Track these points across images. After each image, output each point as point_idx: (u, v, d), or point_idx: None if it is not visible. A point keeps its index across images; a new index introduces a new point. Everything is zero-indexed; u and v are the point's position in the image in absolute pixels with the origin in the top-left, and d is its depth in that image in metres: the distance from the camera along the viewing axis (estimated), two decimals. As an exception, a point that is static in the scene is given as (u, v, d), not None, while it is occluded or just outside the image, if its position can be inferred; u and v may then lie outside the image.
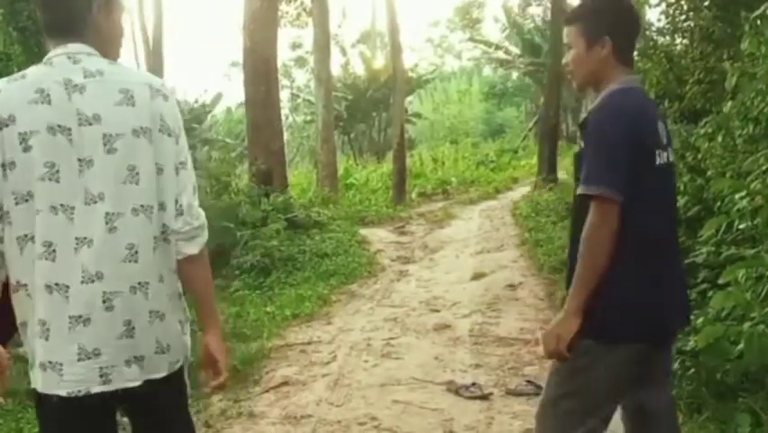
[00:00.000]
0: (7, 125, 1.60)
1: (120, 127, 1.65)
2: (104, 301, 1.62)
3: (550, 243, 8.63)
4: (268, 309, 6.10)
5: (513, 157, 24.76)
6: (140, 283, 1.67)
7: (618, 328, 2.02)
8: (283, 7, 18.94)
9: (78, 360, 1.62)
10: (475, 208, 14.09)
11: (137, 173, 1.65)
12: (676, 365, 3.57)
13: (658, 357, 2.15)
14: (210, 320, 1.85)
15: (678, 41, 8.79)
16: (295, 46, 28.45)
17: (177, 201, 1.72)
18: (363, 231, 10.76)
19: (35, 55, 15.70)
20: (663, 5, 8.49)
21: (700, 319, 3.54)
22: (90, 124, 1.63)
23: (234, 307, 6.12)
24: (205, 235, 1.83)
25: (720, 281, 3.33)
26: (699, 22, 7.70)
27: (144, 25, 25.30)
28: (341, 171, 16.87)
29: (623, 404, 2.21)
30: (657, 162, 2.00)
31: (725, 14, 6.84)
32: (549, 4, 19.96)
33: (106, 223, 1.63)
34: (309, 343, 5.14)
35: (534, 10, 27.19)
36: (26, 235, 1.62)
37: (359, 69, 26.35)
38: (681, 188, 5.48)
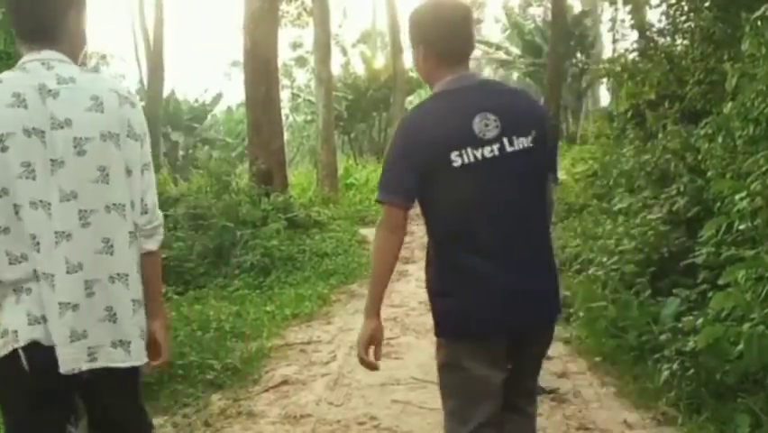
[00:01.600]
0: None
1: (89, 131, 1.76)
2: (85, 289, 1.77)
3: (550, 243, 8.63)
4: (268, 309, 6.10)
5: (513, 157, 24.70)
6: (118, 274, 1.81)
7: (445, 324, 2.15)
8: (284, 7, 18.93)
9: (72, 341, 1.76)
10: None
11: (107, 174, 1.79)
12: (675, 366, 3.58)
13: (520, 350, 2.17)
14: (159, 310, 2.00)
15: (678, 41, 8.80)
16: (295, 46, 28.43)
17: (142, 200, 1.87)
18: (363, 231, 10.75)
19: (36, 54, 15.69)
20: (664, 6, 8.50)
21: (700, 320, 3.54)
22: (62, 128, 1.74)
23: (234, 306, 6.11)
24: (162, 233, 1.97)
25: (720, 282, 3.34)
26: (699, 22, 7.70)
27: (145, 25, 25.33)
28: (341, 171, 16.86)
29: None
30: (464, 161, 2.03)
31: (725, 15, 6.84)
32: (549, 5, 19.97)
33: (80, 219, 1.76)
34: (309, 342, 5.14)
35: (535, 11, 27.20)
36: (3, 228, 1.73)
37: (359, 69, 26.34)
38: (681, 188, 5.49)
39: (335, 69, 21.66)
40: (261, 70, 11.06)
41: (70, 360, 1.76)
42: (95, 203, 1.78)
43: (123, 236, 1.82)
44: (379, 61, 26.23)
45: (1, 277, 1.74)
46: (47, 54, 1.78)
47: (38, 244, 1.73)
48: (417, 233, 11.07)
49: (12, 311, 1.76)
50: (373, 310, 2.21)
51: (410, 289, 7.04)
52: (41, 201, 1.73)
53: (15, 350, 1.74)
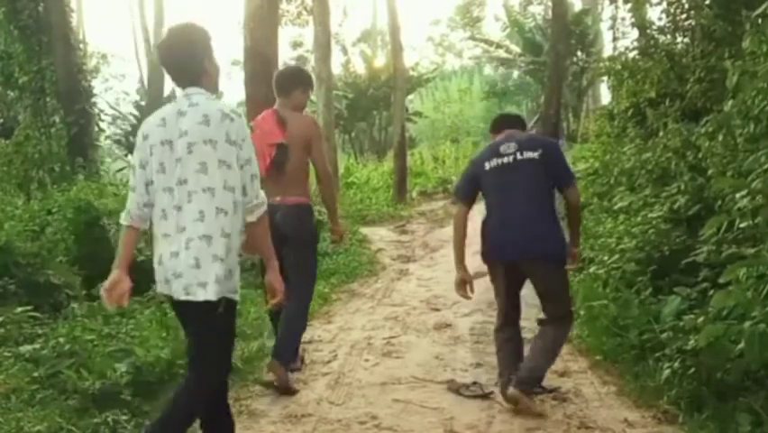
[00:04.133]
0: (145, 140, 2.70)
1: (197, 138, 2.63)
2: (185, 243, 2.61)
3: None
4: (268, 308, 6.08)
5: (514, 156, 24.65)
6: (204, 235, 2.61)
7: (486, 254, 3.90)
8: (284, 6, 18.94)
9: (176, 277, 2.62)
10: (476, 207, 14.08)
11: (205, 167, 2.62)
12: (676, 364, 3.57)
13: (529, 275, 3.78)
14: (269, 262, 2.84)
15: (679, 39, 8.79)
16: (296, 45, 28.43)
17: (244, 187, 2.68)
18: (364, 230, 10.75)
19: (36, 53, 15.68)
20: (664, 4, 8.49)
21: (701, 318, 3.54)
22: (182, 136, 2.64)
23: (235, 305, 6.10)
24: (262, 210, 2.75)
25: (721, 280, 3.33)
26: (700, 20, 7.70)
27: (145, 25, 25.31)
28: (341, 170, 16.85)
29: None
30: (491, 166, 3.83)
31: (726, 13, 6.84)
32: (550, 3, 19.95)
33: (188, 197, 2.63)
34: (310, 342, 5.14)
35: (535, 8, 27.14)
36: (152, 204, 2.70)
37: (359, 68, 26.31)
38: (682, 186, 5.49)
39: (336, 67, 21.67)
40: (262, 69, 11.03)
41: (175, 290, 2.64)
42: (196, 186, 2.62)
43: (212, 210, 2.62)
44: (380, 60, 26.20)
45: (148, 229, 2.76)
46: (190, 90, 2.72)
47: (165, 214, 2.66)
48: (418, 231, 11.13)
49: (157, 268, 2.71)
50: (459, 265, 3.92)
51: (411, 288, 7.05)
52: (168, 187, 2.65)
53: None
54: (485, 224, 3.85)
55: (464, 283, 3.87)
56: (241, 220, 2.69)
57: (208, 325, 2.65)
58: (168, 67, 2.76)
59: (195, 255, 2.59)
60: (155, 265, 2.71)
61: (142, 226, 2.77)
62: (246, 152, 2.68)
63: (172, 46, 2.72)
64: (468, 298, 3.94)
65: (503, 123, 4.06)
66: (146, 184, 2.69)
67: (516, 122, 4.08)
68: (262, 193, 2.74)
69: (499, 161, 3.74)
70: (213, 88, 2.77)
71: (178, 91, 2.73)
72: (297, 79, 4.08)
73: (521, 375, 3.62)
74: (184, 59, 2.70)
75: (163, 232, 2.67)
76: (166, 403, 2.87)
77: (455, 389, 3.99)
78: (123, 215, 2.75)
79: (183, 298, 2.62)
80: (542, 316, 3.83)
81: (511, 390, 3.61)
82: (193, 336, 2.75)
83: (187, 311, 2.69)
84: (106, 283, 2.69)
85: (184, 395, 2.72)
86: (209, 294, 2.59)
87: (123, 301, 2.72)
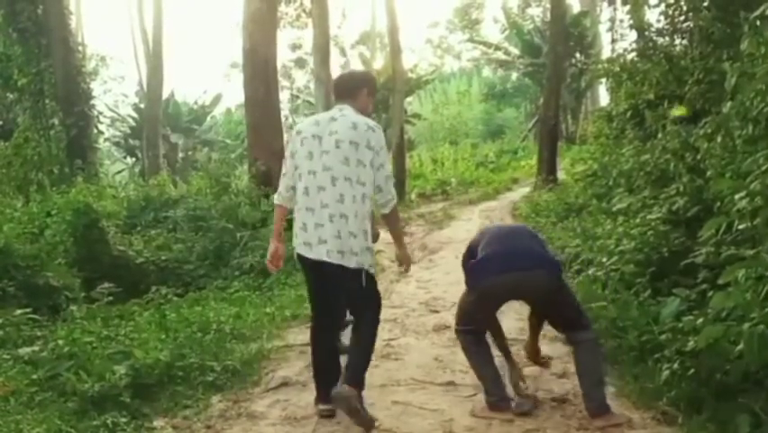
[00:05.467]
0: (298, 134, 3.59)
1: (344, 138, 3.47)
2: (328, 218, 3.42)
3: (549, 243, 8.61)
4: (267, 310, 6.09)
5: (512, 158, 24.73)
6: (343, 215, 3.42)
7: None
8: (283, 8, 18.95)
9: (319, 244, 3.44)
10: (475, 209, 14.08)
11: (348, 161, 3.45)
12: (675, 366, 3.57)
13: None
14: (398, 243, 3.80)
15: (677, 41, 8.81)
16: (295, 47, 28.49)
17: (378, 185, 3.52)
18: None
19: (35, 56, 15.68)
20: (663, 6, 8.50)
21: (700, 320, 3.54)
22: (332, 135, 3.49)
23: (234, 308, 6.11)
24: (392, 204, 3.63)
25: (720, 282, 3.33)
26: (698, 22, 7.71)
27: (144, 27, 25.29)
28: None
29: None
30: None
31: (724, 15, 6.85)
32: (548, 5, 19.97)
33: (331, 181, 3.44)
34: (309, 344, 5.13)
35: (534, 11, 27.23)
36: (292, 184, 3.61)
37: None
38: (681, 188, 5.49)
39: (334, 70, 21.65)
40: (260, 71, 11.06)
41: (317, 253, 3.45)
42: (339, 174, 3.44)
43: (350, 195, 3.43)
44: (379, 62, 26.21)
45: (297, 207, 3.57)
46: (343, 105, 3.63)
47: (308, 192, 3.49)
48: (417, 234, 11.12)
49: (301, 234, 3.55)
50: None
51: (410, 290, 7.04)
52: (312, 171, 3.48)
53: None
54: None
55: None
56: (368, 209, 3.51)
57: (357, 283, 3.48)
58: (336, 85, 3.84)
59: (337, 228, 3.41)
60: (298, 230, 3.54)
61: (289, 206, 3.66)
62: (382, 158, 3.52)
63: (346, 74, 4.17)
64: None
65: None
66: (294, 169, 3.55)
67: None
68: (394, 190, 3.61)
69: None
70: (360, 110, 3.62)
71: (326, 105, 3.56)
72: (362, 82, 3.91)
73: None
74: (348, 84, 3.75)
75: (307, 206, 3.48)
76: (349, 347, 3.58)
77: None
78: (275, 196, 3.73)
79: (326, 259, 3.43)
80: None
81: None
82: (346, 290, 3.57)
83: (328, 273, 3.48)
84: (268, 255, 3.80)
85: (367, 331, 3.54)
86: (351, 264, 3.42)
87: (280, 264, 3.82)
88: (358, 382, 3.41)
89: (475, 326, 3.70)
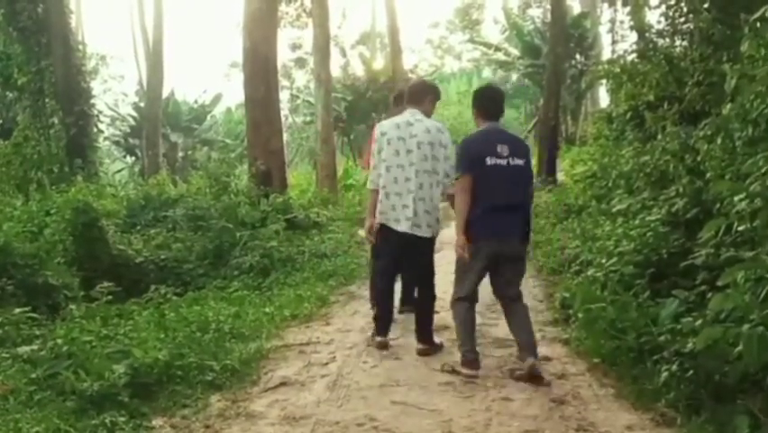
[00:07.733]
0: (383, 135, 4.76)
1: (424, 140, 4.67)
2: (414, 200, 4.63)
3: (549, 244, 8.62)
4: (267, 310, 6.08)
5: (512, 158, 24.64)
6: (423, 198, 4.65)
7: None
8: (283, 8, 18.96)
9: (406, 219, 4.65)
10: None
11: (428, 158, 4.66)
12: (674, 367, 3.58)
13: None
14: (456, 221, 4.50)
15: (677, 43, 8.81)
16: (295, 47, 28.45)
17: (446, 173, 4.70)
18: (362, 232, 10.73)
19: (35, 55, 15.68)
20: (663, 7, 8.50)
21: (699, 321, 3.54)
22: (413, 138, 4.67)
23: (233, 307, 6.10)
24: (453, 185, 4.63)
25: (719, 283, 3.33)
26: (698, 24, 7.71)
27: (144, 26, 25.31)
28: (340, 172, 16.86)
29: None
30: (491, 163, 4.26)
31: (724, 17, 6.85)
32: (549, 6, 19.97)
33: (415, 173, 4.64)
34: (308, 343, 5.14)
35: (534, 12, 27.21)
36: (381, 174, 4.77)
37: (358, 70, 26.34)
38: (680, 190, 5.49)
39: (334, 70, 21.67)
40: (261, 70, 11.07)
41: (405, 227, 4.65)
42: (420, 168, 4.63)
43: (428, 183, 4.65)
44: (379, 63, 26.25)
45: (385, 191, 4.73)
46: (414, 110, 4.79)
47: (396, 181, 4.66)
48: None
49: (391, 213, 4.73)
50: (460, 230, 4.33)
51: (409, 290, 7.03)
52: (400, 165, 4.67)
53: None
54: (476, 209, 4.27)
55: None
56: (438, 192, 4.72)
57: (425, 250, 4.78)
58: (408, 91, 4.98)
59: (419, 208, 4.62)
60: (387, 210, 4.68)
61: (379, 189, 4.75)
62: (448, 151, 4.69)
63: (418, 83, 5.53)
64: (467, 259, 4.33)
65: (493, 111, 4.52)
66: (381, 162, 4.72)
67: (501, 112, 4.58)
68: (453, 175, 4.58)
69: (498, 161, 4.30)
70: (426, 113, 4.79)
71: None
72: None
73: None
74: (419, 91, 4.92)
75: (396, 191, 4.66)
76: (416, 316, 4.91)
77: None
78: (369, 183, 4.92)
79: (410, 231, 4.63)
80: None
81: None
82: (416, 256, 4.78)
83: (410, 241, 4.66)
84: (365, 229, 4.99)
85: (426, 299, 4.91)
86: (426, 233, 4.69)
87: (371, 238, 4.91)
88: (427, 338, 4.83)
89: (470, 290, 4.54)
